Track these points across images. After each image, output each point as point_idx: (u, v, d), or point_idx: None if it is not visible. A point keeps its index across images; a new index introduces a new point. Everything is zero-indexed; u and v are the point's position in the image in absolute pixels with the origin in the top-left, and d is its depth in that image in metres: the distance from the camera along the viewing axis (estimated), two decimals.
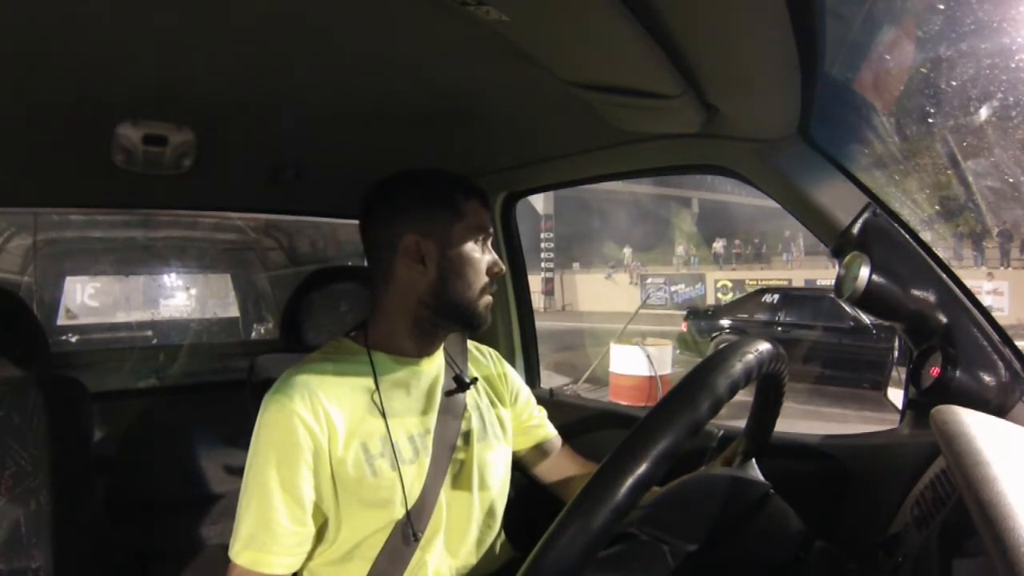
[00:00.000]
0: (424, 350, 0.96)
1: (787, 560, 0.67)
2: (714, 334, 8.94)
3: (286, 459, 0.83)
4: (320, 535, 0.87)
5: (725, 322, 9.05)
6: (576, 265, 22.84)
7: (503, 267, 0.97)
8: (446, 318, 0.94)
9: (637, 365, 6.13)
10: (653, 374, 6.01)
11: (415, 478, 0.89)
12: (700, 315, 9.84)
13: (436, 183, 0.95)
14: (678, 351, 8.84)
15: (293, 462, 0.83)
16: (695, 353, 8.94)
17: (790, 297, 8.92)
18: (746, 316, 8.96)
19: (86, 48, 0.79)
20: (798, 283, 15.60)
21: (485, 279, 0.94)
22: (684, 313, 10.60)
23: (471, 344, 1.10)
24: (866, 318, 7.65)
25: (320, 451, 0.84)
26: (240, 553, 0.82)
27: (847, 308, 7.87)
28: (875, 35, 1.07)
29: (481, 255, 0.94)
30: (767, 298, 9.02)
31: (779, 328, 8.24)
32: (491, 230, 0.96)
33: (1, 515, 1.01)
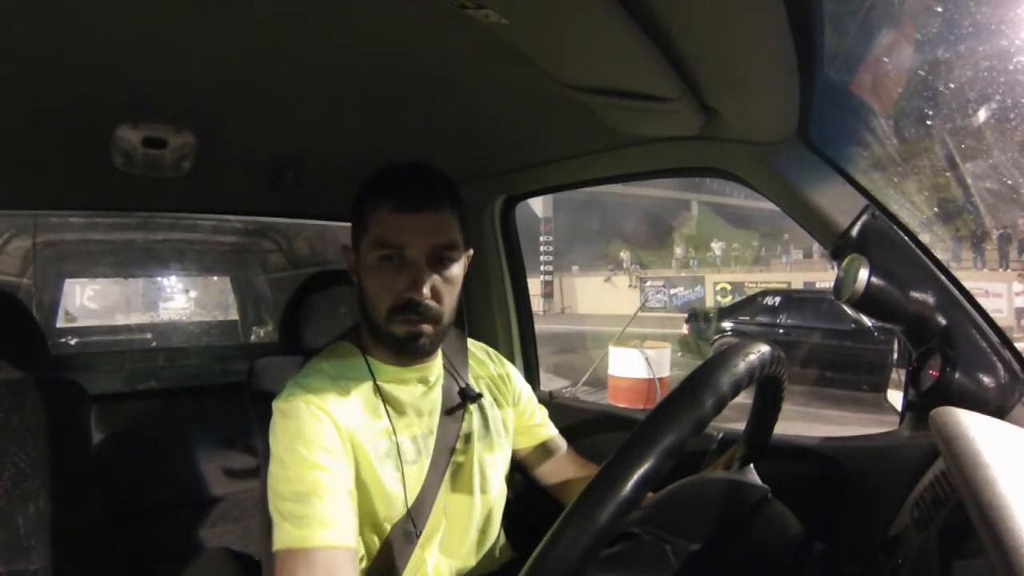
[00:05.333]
0: (400, 360, 0.92)
1: (787, 562, 0.67)
2: (715, 337, 8.95)
3: (310, 444, 0.80)
4: None
5: (727, 324, 9.08)
6: (575, 268, 22.86)
7: (423, 290, 0.82)
8: (372, 336, 0.89)
9: (636, 367, 6.12)
10: (652, 376, 6.00)
11: (416, 478, 0.89)
12: (702, 317, 9.89)
13: (367, 186, 0.87)
14: (679, 353, 8.97)
15: (319, 445, 0.80)
16: (696, 355, 8.97)
17: (792, 299, 8.94)
18: (747, 318, 8.99)
19: (86, 51, 0.79)
20: (797, 285, 15.68)
21: (393, 302, 0.83)
22: (684, 316, 10.65)
23: (472, 344, 1.10)
24: (867, 320, 7.72)
25: (344, 439, 0.83)
26: (279, 540, 0.75)
27: (849, 310, 7.87)
28: (873, 37, 1.07)
29: (388, 274, 0.83)
30: (768, 300, 9.05)
31: (780, 330, 8.26)
32: (404, 244, 0.82)
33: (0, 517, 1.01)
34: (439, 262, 0.85)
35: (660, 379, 6.05)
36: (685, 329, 9.65)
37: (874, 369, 7.18)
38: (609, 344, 6.50)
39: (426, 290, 0.83)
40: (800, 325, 8.25)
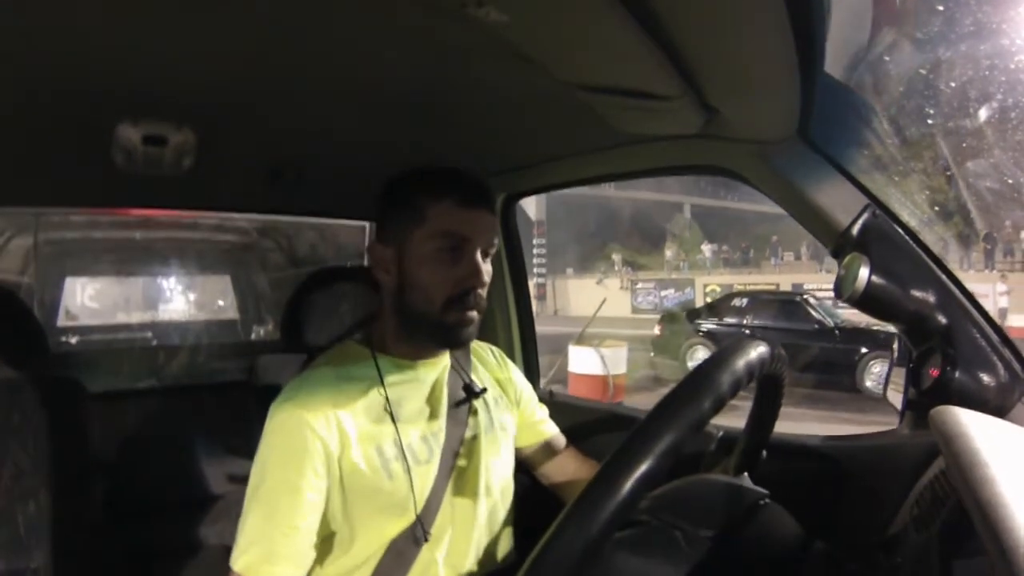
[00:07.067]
0: (422, 354, 0.94)
1: (786, 563, 0.67)
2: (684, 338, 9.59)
3: (295, 466, 0.81)
4: (331, 545, 0.87)
5: (704, 325, 9.65)
6: (569, 270, 22.93)
7: (484, 279, 0.87)
8: (414, 330, 0.90)
9: (592, 365, 6.60)
10: (606, 373, 6.51)
11: (425, 479, 0.88)
12: (675, 319, 10.49)
13: (407, 182, 0.90)
14: (652, 353, 9.78)
15: (302, 469, 0.81)
16: (668, 355, 9.64)
17: (758, 301, 9.58)
18: (716, 319, 9.59)
19: (86, 48, 0.79)
20: (785, 287, 15.91)
21: (451, 292, 0.86)
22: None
23: (477, 344, 1.10)
24: (830, 320, 8.38)
25: (331, 459, 0.83)
26: (239, 559, 0.80)
27: (812, 312, 8.62)
28: (875, 37, 1.07)
29: (447, 265, 0.86)
30: (736, 302, 9.74)
31: (747, 331, 8.75)
32: (469, 236, 0.86)
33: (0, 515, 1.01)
34: (486, 256, 0.90)
35: (615, 376, 6.55)
36: (657, 330, 10.20)
37: (837, 368, 7.79)
38: (569, 344, 6.82)
39: (485, 279, 0.88)
40: (765, 325, 8.72)
